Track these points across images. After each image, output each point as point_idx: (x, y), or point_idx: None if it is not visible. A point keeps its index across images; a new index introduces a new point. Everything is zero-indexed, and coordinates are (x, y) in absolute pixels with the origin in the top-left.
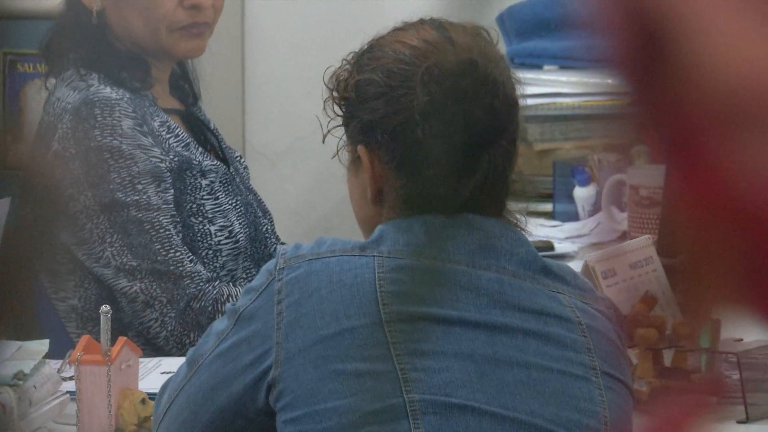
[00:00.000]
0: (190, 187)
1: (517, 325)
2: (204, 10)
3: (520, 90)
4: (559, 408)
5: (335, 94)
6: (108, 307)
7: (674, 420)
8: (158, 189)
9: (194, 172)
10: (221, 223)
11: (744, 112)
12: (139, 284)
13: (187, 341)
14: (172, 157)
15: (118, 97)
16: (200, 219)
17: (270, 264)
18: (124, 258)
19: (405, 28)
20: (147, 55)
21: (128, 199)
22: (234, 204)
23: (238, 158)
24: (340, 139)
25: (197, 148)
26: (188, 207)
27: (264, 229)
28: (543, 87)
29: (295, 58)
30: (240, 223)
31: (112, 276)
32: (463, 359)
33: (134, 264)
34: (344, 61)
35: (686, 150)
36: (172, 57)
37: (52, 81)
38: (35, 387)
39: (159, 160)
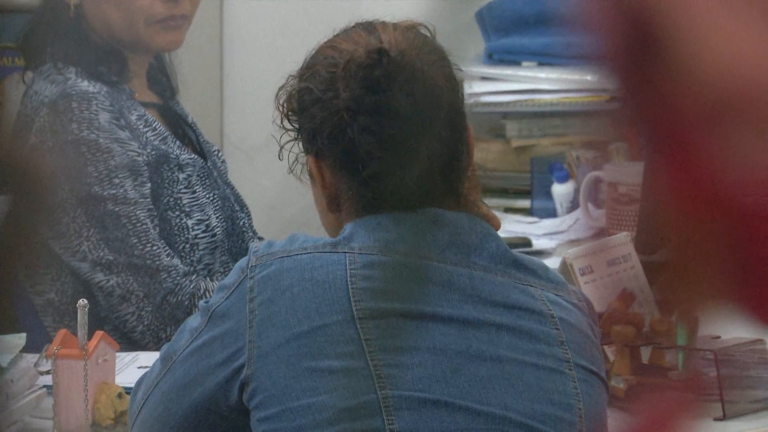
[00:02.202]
0: (167, 181)
1: (489, 319)
2: (181, 2)
3: (460, 79)
4: (533, 401)
5: (284, 108)
6: (85, 302)
7: (657, 418)
8: (135, 183)
9: (171, 166)
10: (198, 217)
11: (733, 108)
12: (115, 278)
13: (164, 335)
14: (149, 150)
15: (95, 90)
16: (177, 213)
17: (242, 261)
18: (100, 252)
19: (338, 33)
20: (125, 48)
21: (105, 192)
22: (211, 198)
23: (216, 152)
24: (289, 151)
25: (174, 142)
26: (165, 201)
27: (241, 223)
28: (521, 83)
29: (273, 52)
30: (217, 217)
31: (88, 270)
32: (436, 354)
33: (111, 258)
34: (290, 77)
35: (674, 145)
36: (149, 50)
37: (30, 75)
38: (12, 381)
39: (136, 154)
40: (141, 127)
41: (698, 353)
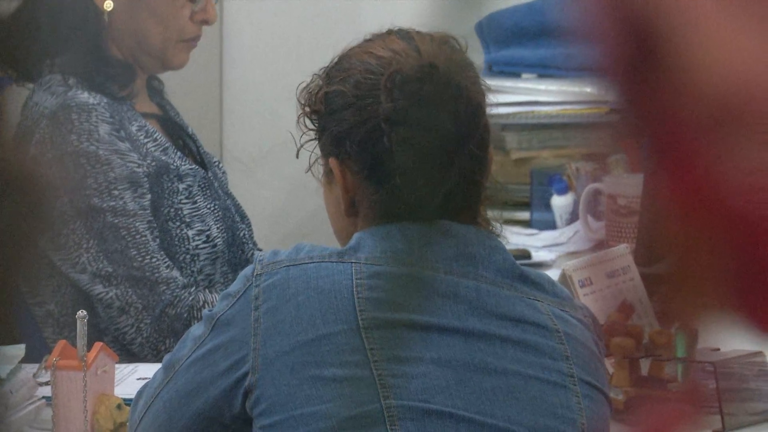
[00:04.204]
0: (167, 192)
1: (494, 332)
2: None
3: (489, 96)
4: (537, 415)
5: (306, 108)
6: (84, 313)
7: (656, 430)
8: (135, 195)
9: (171, 177)
10: (199, 228)
11: (734, 116)
12: (114, 290)
13: (163, 348)
14: (149, 161)
15: (95, 102)
16: (178, 223)
17: (247, 270)
18: (100, 264)
19: (373, 39)
20: (142, 62)
21: (104, 204)
22: (212, 208)
23: (217, 163)
24: (311, 152)
25: (175, 153)
26: (166, 211)
27: (242, 234)
28: (521, 95)
29: (273, 63)
30: (218, 228)
31: (88, 282)
32: (440, 366)
33: (110, 270)
34: (315, 76)
35: (675, 155)
36: (168, 68)
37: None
38: (11, 392)
39: (136, 165)
40: (141, 138)
41: (698, 365)
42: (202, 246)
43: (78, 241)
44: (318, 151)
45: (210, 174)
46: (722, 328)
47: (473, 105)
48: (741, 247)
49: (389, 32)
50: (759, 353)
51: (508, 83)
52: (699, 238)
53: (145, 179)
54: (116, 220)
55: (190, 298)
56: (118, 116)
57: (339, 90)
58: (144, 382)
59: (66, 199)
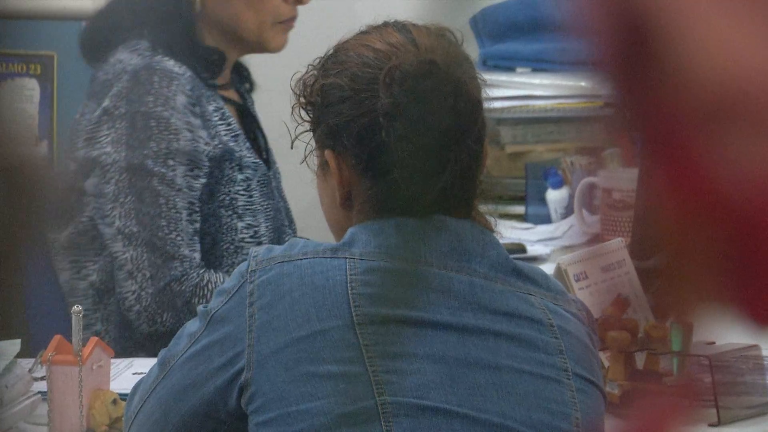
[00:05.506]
0: (226, 179)
1: (488, 327)
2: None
3: (486, 90)
4: (531, 410)
5: (302, 99)
6: (80, 308)
7: (652, 424)
8: (189, 173)
9: (233, 165)
10: (249, 222)
11: (729, 110)
12: (131, 252)
13: (159, 320)
14: (216, 143)
15: (179, 71)
16: (230, 212)
17: (242, 266)
18: (128, 221)
19: (369, 31)
20: (238, 46)
21: (156, 168)
22: (265, 206)
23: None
24: (307, 144)
25: (245, 142)
26: (221, 198)
27: (287, 238)
28: (516, 89)
29: (267, 59)
30: (266, 227)
31: (110, 237)
32: (435, 361)
33: (134, 230)
34: (310, 66)
35: (670, 149)
36: (264, 50)
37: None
38: (6, 387)
39: (204, 143)
40: (215, 119)
41: (693, 359)
42: (248, 240)
43: (117, 194)
44: (313, 142)
45: (271, 172)
46: (718, 321)
47: (472, 101)
48: (736, 240)
49: (385, 24)
50: (754, 347)
51: (502, 77)
52: (694, 232)
53: (206, 162)
54: (160, 188)
55: (197, 278)
56: (197, 92)
57: (335, 82)
58: (139, 377)
59: (124, 153)
